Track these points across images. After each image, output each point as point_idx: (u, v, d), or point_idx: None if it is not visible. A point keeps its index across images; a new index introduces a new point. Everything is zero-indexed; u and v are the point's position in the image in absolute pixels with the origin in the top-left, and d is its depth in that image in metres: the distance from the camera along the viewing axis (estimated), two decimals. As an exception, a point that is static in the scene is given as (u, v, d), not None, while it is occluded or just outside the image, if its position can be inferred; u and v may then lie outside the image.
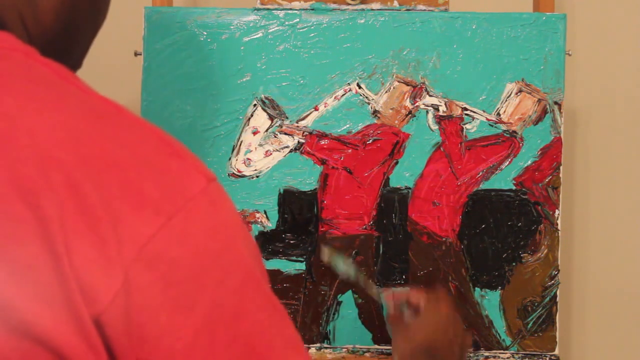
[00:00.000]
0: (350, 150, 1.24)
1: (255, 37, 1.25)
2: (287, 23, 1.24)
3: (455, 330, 1.05)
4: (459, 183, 1.24)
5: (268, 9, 1.25)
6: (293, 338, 0.62)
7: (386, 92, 1.24)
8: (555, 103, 1.24)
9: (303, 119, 1.25)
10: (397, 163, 1.25)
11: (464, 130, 1.24)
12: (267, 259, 1.25)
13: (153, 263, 0.53)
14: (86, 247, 0.52)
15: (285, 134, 1.25)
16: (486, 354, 1.24)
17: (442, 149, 1.24)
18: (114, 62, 1.48)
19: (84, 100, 0.58)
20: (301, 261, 1.25)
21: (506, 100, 1.24)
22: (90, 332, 0.52)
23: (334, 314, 1.25)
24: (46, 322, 0.52)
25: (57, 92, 0.58)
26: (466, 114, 1.24)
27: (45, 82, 0.58)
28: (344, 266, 1.18)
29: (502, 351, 1.24)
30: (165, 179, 0.56)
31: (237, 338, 0.57)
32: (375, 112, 1.24)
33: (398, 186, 1.25)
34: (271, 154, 1.25)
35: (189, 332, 0.55)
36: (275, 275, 1.25)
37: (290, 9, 1.24)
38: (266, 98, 1.25)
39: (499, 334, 1.24)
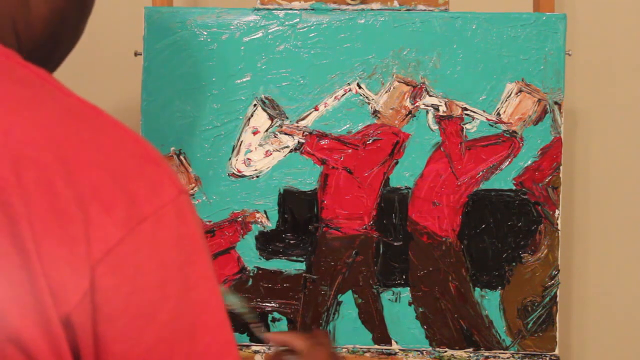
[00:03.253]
0: (350, 150, 1.25)
1: (255, 37, 1.25)
2: (287, 23, 1.24)
3: None
4: (459, 183, 1.24)
5: (268, 9, 1.25)
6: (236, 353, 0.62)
7: (386, 92, 1.24)
8: (555, 103, 1.24)
9: (303, 119, 1.25)
10: (397, 163, 1.25)
11: (464, 130, 1.24)
12: (267, 259, 1.25)
13: (119, 266, 0.54)
14: (56, 245, 0.53)
15: (285, 134, 1.25)
16: (486, 354, 1.24)
17: (442, 149, 1.24)
18: (114, 62, 1.49)
19: (63, 102, 0.59)
20: (301, 261, 1.25)
21: (506, 100, 1.24)
22: (57, 333, 0.53)
23: (334, 314, 1.25)
24: (15, 320, 0.52)
25: (35, 93, 0.58)
26: (466, 114, 1.24)
27: (25, 84, 0.59)
28: (236, 303, 1.18)
29: (502, 351, 1.24)
30: (138, 184, 0.56)
31: (195, 350, 0.57)
32: (375, 112, 1.24)
33: (398, 186, 1.25)
34: (271, 154, 1.25)
35: (149, 340, 0.55)
36: (275, 275, 1.25)
37: (290, 9, 1.24)
38: (266, 98, 1.25)
39: (499, 334, 1.24)
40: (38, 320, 0.52)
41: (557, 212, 1.24)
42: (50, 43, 0.69)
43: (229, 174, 1.25)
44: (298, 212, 1.25)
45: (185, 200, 0.58)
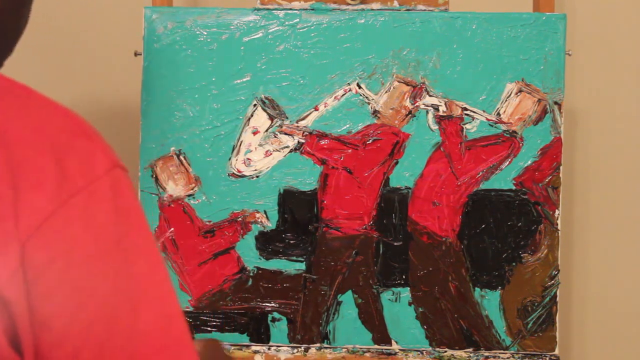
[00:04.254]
0: (350, 150, 1.24)
1: (255, 37, 1.25)
2: (287, 23, 1.24)
3: None
4: (459, 183, 1.24)
5: (268, 9, 1.25)
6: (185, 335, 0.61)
7: (386, 92, 1.24)
8: (555, 103, 1.24)
9: (303, 119, 1.25)
10: (397, 163, 1.25)
11: (464, 130, 1.24)
12: (267, 259, 1.25)
13: (50, 240, 0.53)
14: None
15: (285, 134, 1.25)
16: (486, 354, 1.24)
17: (442, 149, 1.24)
18: (114, 62, 1.48)
19: None
20: (301, 261, 1.25)
21: (506, 100, 1.24)
22: None
23: (334, 314, 1.25)
24: None
25: None
26: (466, 114, 1.24)
27: None
28: None
29: (502, 351, 1.24)
30: (69, 158, 0.55)
31: (137, 324, 0.56)
32: (375, 112, 1.24)
33: (398, 186, 1.25)
34: (271, 154, 1.25)
35: (89, 315, 0.54)
36: (275, 275, 1.25)
37: (290, 9, 1.24)
38: (266, 98, 1.25)
39: (499, 334, 1.24)
40: None
41: (557, 212, 1.24)
42: None
43: (229, 174, 1.25)
44: (298, 212, 1.25)
45: (120, 174, 0.57)
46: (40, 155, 0.54)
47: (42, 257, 0.53)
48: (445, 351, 1.24)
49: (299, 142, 1.25)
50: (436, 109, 1.24)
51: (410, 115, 1.24)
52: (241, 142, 1.25)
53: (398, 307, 1.24)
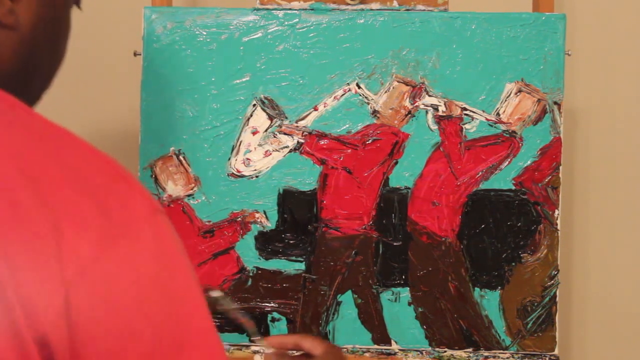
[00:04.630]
0: (349, 150, 1.24)
1: (254, 37, 1.25)
2: (286, 23, 1.24)
3: None
4: (458, 183, 1.24)
5: (267, 9, 1.25)
6: None
7: (386, 92, 1.24)
8: (555, 103, 1.24)
9: (302, 119, 1.25)
10: (396, 163, 1.25)
11: (464, 130, 1.24)
12: (267, 259, 1.25)
13: (94, 285, 0.53)
14: (28, 266, 0.52)
15: (285, 134, 1.25)
16: (486, 354, 1.24)
17: (441, 149, 1.24)
18: (114, 62, 1.48)
19: (27, 123, 0.59)
20: (301, 261, 1.25)
21: (506, 100, 1.24)
22: (32, 354, 0.52)
23: (333, 314, 1.25)
24: None
25: (4, 117, 0.58)
26: (466, 114, 1.24)
27: None
28: (229, 306, 1.18)
29: (502, 351, 1.24)
30: (111, 203, 0.56)
31: None
32: (374, 112, 1.24)
33: (398, 186, 1.25)
34: (271, 154, 1.25)
35: (133, 358, 0.55)
36: (275, 275, 1.25)
37: (290, 9, 1.24)
38: (266, 98, 1.25)
39: (498, 334, 1.24)
40: (12, 343, 0.52)
41: (556, 212, 1.24)
42: (24, 76, 0.68)
43: (228, 174, 1.25)
44: (297, 212, 1.25)
45: (160, 217, 0.58)
46: (82, 198, 0.55)
47: (86, 302, 0.53)
48: (445, 351, 1.24)
49: (298, 142, 1.25)
50: (436, 109, 1.24)
51: (409, 115, 1.24)
52: (241, 142, 1.25)
53: (398, 307, 1.24)
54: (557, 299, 1.24)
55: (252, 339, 1.22)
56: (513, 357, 1.24)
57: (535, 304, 1.24)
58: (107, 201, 0.56)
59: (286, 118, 1.25)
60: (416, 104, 1.24)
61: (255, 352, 1.24)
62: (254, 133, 1.25)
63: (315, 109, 1.24)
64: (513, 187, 1.24)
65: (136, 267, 0.55)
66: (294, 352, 1.12)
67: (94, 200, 0.55)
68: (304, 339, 1.11)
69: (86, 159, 0.58)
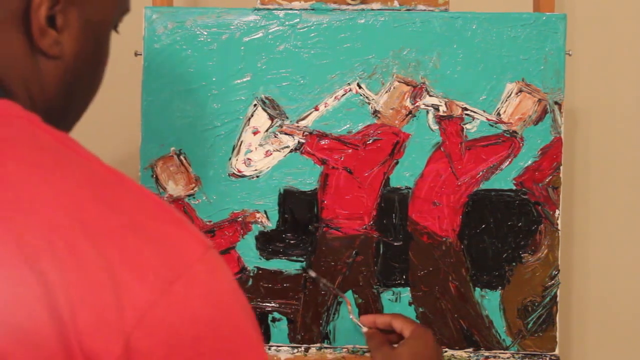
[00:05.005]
0: (350, 150, 1.24)
1: (255, 37, 1.25)
2: (287, 23, 1.24)
3: (439, 359, 1.11)
4: (459, 183, 1.24)
5: (268, 9, 1.25)
6: None
7: (386, 92, 1.24)
8: (556, 103, 1.24)
9: (303, 119, 1.25)
10: (397, 163, 1.25)
11: (464, 130, 1.24)
12: (267, 259, 1.25)
13: (153, 329, 0.54)
14: (89, 313, 0.53)
15: (286, 134, 1.25)
16: (486, 354, 1.24)
17: (442, 149, 1.24)
18: (114, 62, 1.48)
19: (85, 167, 0.60)
20: (301, 261, 1.25)
21: (506, 100, 1.24)
22: None
23: (334, 314, 1.25)
24: None
25: (59, 159, 0.59)
26: (466, 114, 1.24)
27: (48, 149, 0.60)
28: (322, 282, 1.21)
29: (502, 351, 1.24)
30: (164, 245, 0.57)
31: None
32: (375, 112, 1.24)
33: (398, 186, 1.25)
34: (271, 154, 1.25)
35: None
36: (275, 275, 1.25)
37: (291, 9, 1.24)
38: (266, 98, 1.25)
39: (499, 334, 1.24)
40: None
41: (557, 212, 1.24)
42: (65, 104, 0.70)
43: (229, 174, 1.25)
44: (298, 212, 1.25)
45: (213, 255, 0.59)
46: (138, 242, 0.56)
47: (144, 346, 0.54)
48: (446, 351, 1.24)
49: (299, 142, 1.25)
50: (436, 109, 1.24)
51: (410, 115, 1.24)
52: (241, 142, 1.25)
53: (398, 307, 1.24)
54: (558, 299, 1.24)
55: (349, 316, 1.23)
56: (513, 357, 1.24)
57: (536, 304, 1.24)
58: (162, 244, 0.57)
59: (287, 118, 1.25)
60: (417, 104, 1.24)
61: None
62: (254, 133, 1.25)
63: (316, 109, 1.24)
64: (514, 187, 1.24)
65: (191, 308, 0.56)
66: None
67: (150, 244, 0.56)
68: (395, 318, 1.15)
69: (139, 202, 0.59)
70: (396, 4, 1.24)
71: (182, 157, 1.25)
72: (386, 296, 1.25)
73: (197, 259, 0.57)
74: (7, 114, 0.62)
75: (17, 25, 0.64)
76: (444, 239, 1.25)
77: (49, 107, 0.68)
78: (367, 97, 1.24)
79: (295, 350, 1.24)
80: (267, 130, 1.25)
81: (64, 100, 0.69)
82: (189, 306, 0.56)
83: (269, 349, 1.24)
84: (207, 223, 1.24)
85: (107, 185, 0.59)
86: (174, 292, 0.55)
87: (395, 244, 1.25)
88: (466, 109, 1.24)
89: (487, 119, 1.24)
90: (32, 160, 0.58)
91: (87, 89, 0.73)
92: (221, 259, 0.60)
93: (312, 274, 1.22)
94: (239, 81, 1.24)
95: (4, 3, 0.63)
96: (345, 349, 1.24)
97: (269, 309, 1.25)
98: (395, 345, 1.14)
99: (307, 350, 1.24)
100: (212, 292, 0.58)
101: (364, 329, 1.20)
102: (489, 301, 1.25)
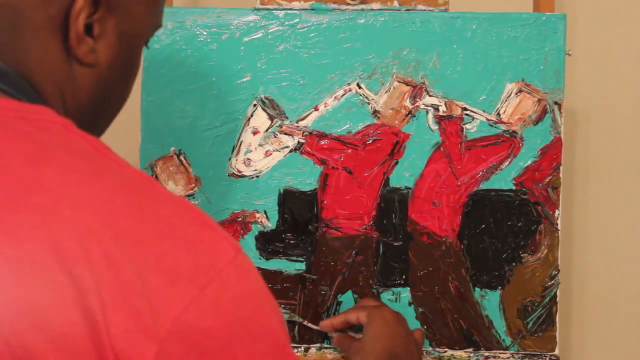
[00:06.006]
0: (350, 150, 1.25)
1: (255, 37, 1.25)
2: (287, 23, 1.24)
3: (406, 330, 1.11)
4: (459, 183, 1.24)
5: (268, 9, 1.25)
6: None
7: (386, 92, 1.24)
8: (555, 103, 1.24)
9: (303, 119, 1.25)
10: (397, 163, 1.25)
11: (464, 130, 1.24)
12: (267, 259, 1.25)
13: (186, 333, 0.55)
14: (122, 318, 0.54)
15: (285, 134, 1.25)
16: (486, 354, 1.24)
17: (442, 149, 1.24)
18: (114, 62, 1.48)
19: (119, 174, 0.60)
20: (301, 261, 1.25)
21: (506, 100, 1.24)
22: None
23: (334, 314, 1.25)
24: None
25: (94, 165, 0.60)
26: (466, 114, 1.24)
27: (83, 155, 0.60)
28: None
29: (502, 351, 1.24)
30: (197, 250, 0.58)
31: None
32: (375, 112, 1.24)
33: (398, 186, 1.25)
34: (271, 154, 1.25)
35: None
36: (275, 275, 1.25)
37: (290, 9, 1.24)
38: (266, 98, 1.25)
39: (499, 334, 1.24)
40: None
41: (557, 212, 1.24)
42: (95, 112, 0.70)
43: (228, 174, 1.25)
44: (298, 212, 1.25)
45: (243, 257, 0.60)
46: (172, 249, 0.57)
47: (177, 351, 0.55)
48: (445, 351, 1.24)
49: (299, 142, 1.25)
50: (436, 109, 1.24)
51: (410, 115, 1.24)
52: (241, 142, 1.25)
53: (398, 307, 1.24)
54: (558, 299, 1.24)
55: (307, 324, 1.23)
56: (513, 357, 1.24)
57: (536, 304, 1.24)
58: (195, 249, 0.57)
59: (287, 118, 1.25)
60: (417, 104, 1.24)
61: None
62: (254, 133, 1.25)
63: (316, 109, 1.24)
64: (513, 187, 1.24)
65: (223, 311, 0.57)
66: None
67: (183, 249, 0.57)
68: (348, 313, 1.15)
69: (174, 208, 0.59)
70: (396, 4, 1.24)
71: (181, 157, 1.25)
72: (386, 296, 1.25)
73: (228, 262, 0.58)
74: (44, 119, 0.62)
75: (55, 32, 0.65)
76: (444, 239, 1.25)
77: (81, 113, 0.69)
78: (366, 97, 1.24)
79: (295, 350, 1.24)
80: (266, 130, 1.25)
81: (95, 108, 0.70)
82: (221, 309, 0.57)
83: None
84: (207, 223, 1.24)
85: (140, 190, 0.60)
86: (206, 296, 0.56)
87: (395, 244, 1.25)
88: (466, 109, 1.24)
89: (487, 119, 1.24)
90: (67, 166, 0.59)
91: (118, 98, 0.74)
92: (250, 261, 0.61)
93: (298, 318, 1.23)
94: (239, 81, 1.25)
95: (43, 8, 0.64)
96: (345, 349, 1.24)
97: (269, 309, 1.25)
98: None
99: (306, 350, 1.24)
100: (244, 294, 0.58)
101: (333, 334, 1.20)
102: (489, 301, 1.25)
